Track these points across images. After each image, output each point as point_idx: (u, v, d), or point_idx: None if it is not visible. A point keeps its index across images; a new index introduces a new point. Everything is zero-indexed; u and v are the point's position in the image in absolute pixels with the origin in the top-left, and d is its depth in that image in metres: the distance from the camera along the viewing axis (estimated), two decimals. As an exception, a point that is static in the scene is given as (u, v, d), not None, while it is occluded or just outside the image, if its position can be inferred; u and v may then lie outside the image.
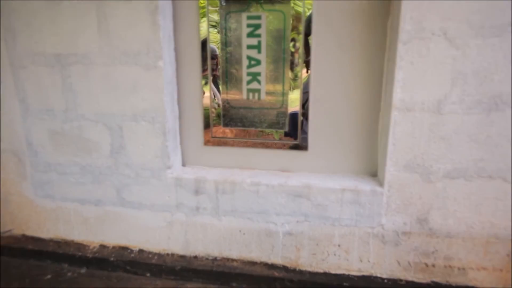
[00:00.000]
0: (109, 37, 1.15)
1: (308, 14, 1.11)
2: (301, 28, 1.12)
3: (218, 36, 1.18)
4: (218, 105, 1.24)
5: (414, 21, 0.95)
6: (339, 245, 1.17)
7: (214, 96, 1.24)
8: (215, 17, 1.16)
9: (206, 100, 1.25)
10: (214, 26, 1.17)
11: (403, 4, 0.95)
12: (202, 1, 1.16)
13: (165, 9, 1.13)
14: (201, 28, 1.19)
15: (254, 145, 1.26)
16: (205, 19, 1.17)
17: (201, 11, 1.17)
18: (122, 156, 1.25)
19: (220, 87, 1.23)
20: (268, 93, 1.20)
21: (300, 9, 1.11)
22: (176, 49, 1.23)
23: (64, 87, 1.23)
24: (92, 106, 1.23)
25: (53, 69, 1.22)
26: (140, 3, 1.09)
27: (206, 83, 1.23)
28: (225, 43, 1.18)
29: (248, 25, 1.15)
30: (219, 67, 1.21)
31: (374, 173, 1.21)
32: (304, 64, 1.16)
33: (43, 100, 1.26)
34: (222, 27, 1.17)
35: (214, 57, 1.20)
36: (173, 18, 1.19)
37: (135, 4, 1.10)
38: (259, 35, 1.15)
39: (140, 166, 1.25)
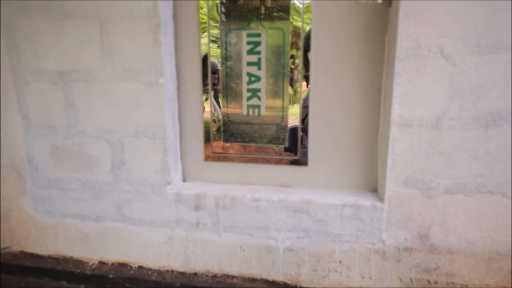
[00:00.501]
0: (112, 54, 1.17)
1: (307, 30, 1.13)
2: (300, 44, 1.15)
3: (219, 51, 1.20)
4: (219, 120, 1.25)
5: (410, 38, 0.97)
6: (340, 262, 1.16)
7: (215, 110, 1.25)
8: (216, 34, 1.19)
9: (207, 115, 1.26)
10: (214, 41, 1.19)
11: (400, 22, 0.97)
12: (203, 17, 1.18)
13: (166, 26, 1.15)
14: (202, 44, 1.21)
15: (254, 161, 1.26)
16: (206, 34, 1.19)
17: (202, 26, 1.19)
18: (123, 172, 1.26)
19: (221, 101, 1.24)
20: (268, 108, 1.22)
21: (299, 26, 1.13)
22: (177, 66, 1.24)
23: (66, 104, 1.24)
24: (93, 122, 1.24)
25: (56, 85, 1.23)
26: (143, 21, 1.12)
27: (206, 99, 1.25)
28: (225, 58, 1.20)
29: (248, 42, 1.17)
30: (219, 82, 1.22)
31: (374, 189, 1.21)
32: (304, 79, 1.17)
33: (45, 116, 1.27)
34: (222, 44, 1.19)
35: (215, 71, 1.22)
36: (174, 35, 1.22)
37: (137, 22, 1.12)
38: (259, 52, 1.17)
39: (140, 182, 1.25)
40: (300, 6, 1.12)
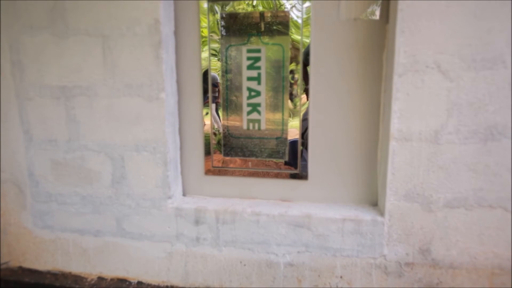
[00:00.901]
0: (114, 70, 1.18)
1: (306, 45, 1.15)
2: (300, 59, 1.16)
3: (219, 64, 1.22)
4: (219, 132, 1.26)
5: (408, 54, 0.99)
6: (341, 277, 1.15)
7: (215, 123, 1.26)
8: (216, 49, 1.21)
9: (207, 128, 1.27)
10: (214, 55, 1.21)
11: (397, 38, 0.99)
12: (203, 32, 1.21)
13: (168, 42, 1.17)
14: (202, 59, 1.22)
15: (255, 175, 1.27)
16: (206, 48, 1.21)
17: (203, 39, 1.21)
18: (123, 186, 1.26)
19: (221, 114, 1.25)
20: (268, 123, 1.22)
21: (298, 40, 1.15)
22: (178, 80, 1.26)
23: (68, 118, 1.25)
24: (94, 137, 1.24)
25: (58, 100, 1.25)
26: (144, 38, 1.14)
27: (207, 114, 1.26)
28: (225, 71, 1.22)
29: (248, 58, 1.19)
30: (220, 95, 1.24)
31: (374, 203, 1.21)
32: (304, 92, 1.18)
33: (47, 130, 1.28)
34: (223, 59, 1.21)
35: (215, 84, 1.24)
36: (175, 50, 1.24)
37: (139, 39, 1.14)
38: (259, 67, 1.19)
39: (140, 196, 1.25)
40: (299, 21, 1.14)
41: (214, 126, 1.27)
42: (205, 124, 1.27)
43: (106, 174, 1.26)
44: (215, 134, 1.27)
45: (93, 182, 1.28)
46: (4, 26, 1.23)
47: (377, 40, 1.11)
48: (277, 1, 1.14)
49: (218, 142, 1.27)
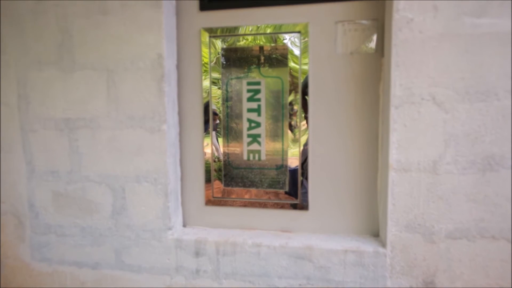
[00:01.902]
0: (117, 102, 1.21)
1: (304, 76, 1.18)
2: (299, 90, 1.19)
3: (219, 92, 1.25)
4: (219, 159, 1.27)
5: (403, 87, 1.02)
6: (344, 311, 1.12)
7: (216, 151, 1.28)
8: (217, 81, 1.24)
9: (208, 155, 1.28)
10: (215, 83, 1.25)
11: (392, 72, 1.02)
12: (205, 66, 1.25)
13: (170, 76, 1.21)
14: (204, 91, 1.26)
15: (255, 205, 1.26)
16: (208, 79, 1.25)
17: (204, 72, 1.25)
18: (123, 217, 1.25)
19: (221, 141, 1.27)
20: (268, 153, 1.24)
21: (297, 70, 1.19)
22: (179, 112, 1.29)
23: (71, 150, 1.27)
24: (96, 168, 1.26)
25: (62, 132, 1.27)
26: (148, 72, 1.18)
27: (208, 144, 1.28)
28: (226, 100, 1.24)
29: (248, 90, 1.23)
30: (219, 124, 1.26)
31: (376, 233, 1.19)
32: (304, 118, 1.20)
33: (49, 162, 1.29)
34: (223, 91, 1.24)
35: (215, 112, 1.26)
36: (177, 83, 1.27)
37: (142, 73, 1.18)
38: (259, 99, 1.22)
39: (140, 228, 1.24)
40: (298, 53, 1.18)
41: (214, 154, 1.28)
42: (205, 154, 1.28)
43: (107, 205, 1.26)
44: (215, 161, 1.28)
45: (93, 213, 1.28)
46: (13, 61, 1.27)
47: (373, 72, 1.15)
48: (276, 35, 1.19)
49: (219, 169, 1.28)
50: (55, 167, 1.29)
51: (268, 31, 1.19)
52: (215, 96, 1.26)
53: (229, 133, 1.26)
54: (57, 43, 1.23)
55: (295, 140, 1.22)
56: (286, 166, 1.23)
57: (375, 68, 1.15)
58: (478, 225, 1.01)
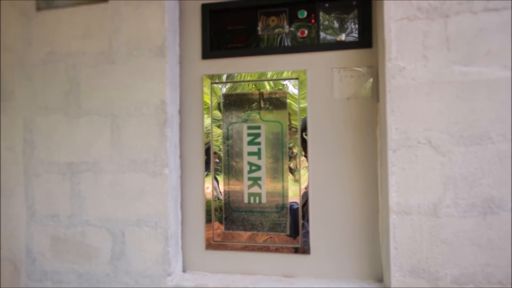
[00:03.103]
0: (120, 147, 1.24)
1: (303, 119, 1.22)
2: (298, 135, 1.22)
3: (220, 131, 1.27)
4: (219, 199, 1.27)
5: (399, 131, 1.04)
6: None
7: (215, 191, 1.28)
8: (218, 119, 1.28)
9: (208, 196, 1.29)
10: (215, 126, 1.28)
11: (388, 117, 1.05)
12: (207, 110, 1.29)
13: (173, 121, 1.25)
14: (205, 135, 1.29)
15: (256, 249, 1.25)
16: (209, 121, 1.28)
17: (205, 113, 1.29)
18: (122, 262, 1.23)
19: (222, 179, 1.28)
20: (269, 196, 1.24)
21: (295, 113, 1.22)
22: (181, 156, 1.31)
23: (72, 193, 1.28)
24: (97, 212, 1.25)
25: (64, 176, 1.28)
26: (151, 118, 1.21)
27: (208, 188, 1.28)
28: (227, 139, 1.27)
29: (249, 134, 1.26)
30: (220, 162, 1.28)
31: (379, 278, 1.17)
32: (305, 160, 1.22)
33: (50, 206, 1.29)
34: (224, 134, 1.27)
35: (216, 152, 1.28)
36: (179, 128, 1.31)
37: (146, 118, 1.22)
38: (259, 143, 1.25)
39: (139, 273, 1.22)
40: (296, 98, 1.22)
41: (214, 193, 1.28)
42: (206, 197, 1.29)
43: (106, 250, 1.25)
44: (215, 200, 1.28)
45: (91, 258, 1.26)
46: (21, 107, 1.32)
47: (370, 116, 1.19)
48: (275, 82, 1.24)
49: (220, 209, 1.27)
50: (55, 211, 1.29)
51: (268, 77, 1.24)
52: (216, 137, 1.28)
53: (230, 171, 1.28)
54: (65, 90, 1.28)
55: (296, 183, 1.23)
56: (287, 208, 1.23)
57: (371, 112, 1.18)
58: (484, 271, 0.99)
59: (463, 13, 0.99)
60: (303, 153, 1.22)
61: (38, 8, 1.30)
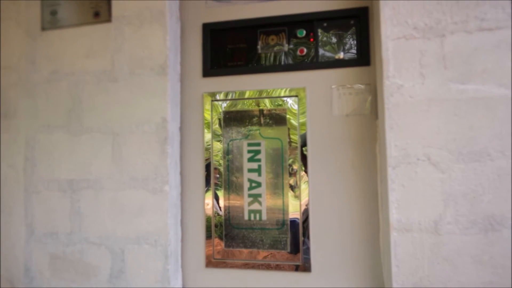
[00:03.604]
0: (121, 164, 1.25)
1: (303, 138, 1.23)
2: (298, 151, 1.23)
3: (220, 146, 1.28)
4: (218, 214, 1.27)
5: (399, 148, 1.05)
6: None
7: (215, 207, 1.28)
8: (219, 134, 1.29)
9: (208, 212, 1.29)
10: (216, 142, 1.29)
11: (387, 134, 1.06)
12: (207, 127, 1.30)
13: (173, 138, 1.26)
14: (205, 151, 1.30)
15: (256, 267, 1.24)
16: (209, 138, 1.29)
17: (206, 130, 1.30)
18: (121, 281, 1.22)
19: (222, 195, 1.28)
20: (269, 213, 1.24)
21: (295, 129, 1.23)
22: (181, 172, 1.31)
23: (72, 211, 1.28)
24: (97, 229, 1.25)
25: (65, 193, 1.28)
26: (152, 135, 1.22)
27: (208, 204, 1.28)
28: (227, 161, 1.27)
29: (249, 151, 1.26)
30: (220, 177, 1.28)
31: (382, 297, 1.15)
32: (305, 175, 1.22)
33: (49, 223, 1.29)
34: (224, 150, 1.28)
35: (216, 167, 1.29)
36: (180, 145, 1.31)
37: (147, 136, 1.23)
38: (259, 160, 1.25)
39: (138, 293, 1.20)
40: (296, 115, 1.24)
41: (214, 209, 1.28)
42: (206, 214, 1.28)
43: (105, 268, 1.23)
44: (215, 216, 1.28)
45: (90, 277, 1.24)
46: (23, 125, 1.33)
47: (369, 133, 1.20)
48: (275, 99, 1.26)
49: (220, 224, 1.27)
50: (55, 228, 1.29)
51: (267, 95, 1.26)
52: (216, 152, 1.29)
53: (230, 186, 1.28)
54: (67, 108, 1.30)
55: (296, 199, 1.23)
56: (287, 225, 1.23)
57: (370, 129, 1.19)
58: (486, 289, 0.98)
59: (458, 32, 1.01)
60: (303, 168, 1.23)
61: (43, 28, 1.33)
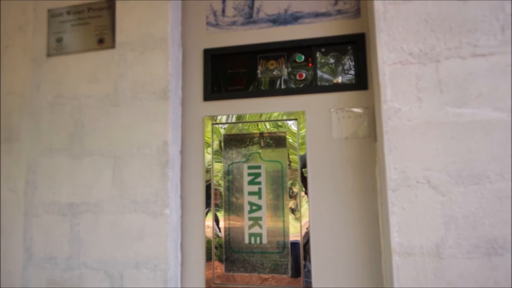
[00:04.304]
0: (122, 187, 1.25)
1: (303, 160, 1.23)
2: (298, 174, 1.24)
3: (220, 166, 1.29)
4: (218, 236, 1.26)
5: (398, 171, 1.06)
6: None
7: (216, 232, 1.27)
8: (219, 154, 1.29)
9: (208, 234, 1.28)
10: (216, 164, 1.29)
11: (386, 157, 1.07)
12: (208, 149, 1.31)
13: (174, 161, 1.27)
14: (206, 174, 1.30)
15: (257, 292, 1.22)
16: (210, 160, 1.30)
17: (207, 153, 1.31)
18: (118, 307, 1.19)
19: (222, 215, 1.27)
20: (270, 236, 1.23)
21: (295, 156, 1.24)
22: (182, 196, 1.31)
23: (72, 235, 1.27)
24: (96, 254, 1.24)
25: (64, 217, 1.28)
26: (153, 158, 1.23)
27: (208, 227, 1.28)
28: (227, 174, 1.28)
29: (249, 174, 1.27)
30: (220, 198, 1.27)
31: (386, 323, 1.13)
32: (305, 197, 1.22)
33: (48, 248, 1.28)
34: (225, 172, 1.28)
35: (216, 188, 1.29)
36: (181, 168, 1.32)
37: (148, 159, 1.24)
38: (259, 183, 1.26)
39: (136, 319, 1.18)
40: (296, 138, 1.25)
41: (214, 231, 1.27)
42: (206, 238, 1.28)
43: (103, 294, 1.22)
44: (215, 237, 1.27)
45: (88, 303, 1.22)
46: (26, 148, 1.34)
47: (368, 156, 1.20)
48: (275, 122, 1.27)
49: (220, 246, 1.26)
50: (53, 253, 1.27)
51: (267, 118, 1.28)
52: (216, 173, 1.30)
53: (230, 207, 1.28)
54: (70, 131, 1.31)
55: (296, 222, 1.22)
56: (288, 249, 1.21)
57: (369, 152, 1.20)
58: (492, 315, 0.96)
59: (452, 58, 1.04)
60: (303, 189, 1.23)
61: (49, 54, 1.37)
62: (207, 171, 1.30)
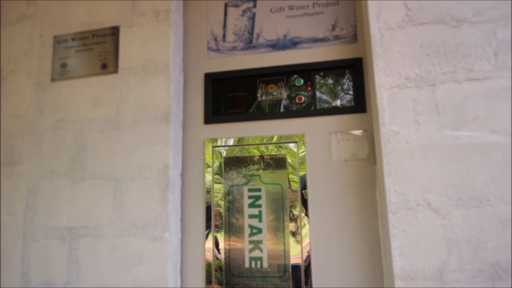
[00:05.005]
0: (122, 210, 1.25)
1: (303, 183, 1.24)
2: (298, 197, 1.23)
3: (220, 186, 1.28)
4: (218, 259, 1.25)
5: (398, 194, 1.06)
6: None
7: (216, 254, 1.25)
8: (220, 191, 1.30)
9: (208, 257, 1.26)
10: (216, 186, 1.29)
11: (386, 179, 1.07)
12: (208, 172, 1.31)
13: (175, 185, 1.27)
14: (206, 197, 1.30)
15: (258, 319, 1.19)
16: (210, 182, 1.30)
17: (207, 176, 1.31)
18: (116, 335, 1.17)
19: (222, 236, 1.26)
20: (270, 259, 1.22)
21: (296, 178, 1.24)
22: (182, 219, 1.31)
23: (70, 259, 1.25)
24: (94, 279, 1.22)
25: (63, 241, 1.27)
26: (153, 181, 1.24)
27: (209, 251, 1.26)
28: (228, 194, 1.27)
29: (249, 197, 1.27)
30: (220, 219, 1.26)
31: None
32: (306, 220, 1.22)
33: (46, 273, 1.26)
34: (225, 194, 1.28)
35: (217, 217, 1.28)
36: (181, 191, 1.32)
37: (148, 182, 1.24)
38: (259, 206, 1.26)
39: None
40: (295, 161, 1.26)
41: (214, 253, 1.26)
42: (206, 262, 1.26)
43: (100, 321, 1.19)
44: (215, 260, 1.25)
45: (84, 331, 1.19)
46: (27, 172, 1.35)
47: (368, 178, 1.21)
48: (275, 145, 1.29)
49: (220, 269, 1.24)
50: (51, 278, 1.26)
51: (267, 141, 1.29)
52: (216, 193, 1.30)
53: (230, 229, 1.27)
54: (71, 155, 1.32)
55: (297, 244, 1.21)
56: (289, 273, 1.20)
57: (369, 174, 1.21)
58: None
59: (448, 82, 1.06)
60: (304, 210, 1.23)
61: (53, 79, 1.40)
62: (208, 191, 1.31)
